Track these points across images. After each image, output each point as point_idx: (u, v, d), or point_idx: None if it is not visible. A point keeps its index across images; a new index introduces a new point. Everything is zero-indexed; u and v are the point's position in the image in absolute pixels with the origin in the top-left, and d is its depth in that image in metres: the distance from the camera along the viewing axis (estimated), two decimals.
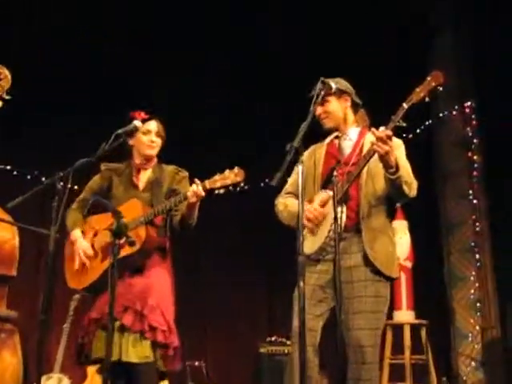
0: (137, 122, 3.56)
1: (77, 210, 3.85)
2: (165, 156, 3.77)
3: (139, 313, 3.50)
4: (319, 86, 3.24)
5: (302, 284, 2.69)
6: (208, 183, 3.47)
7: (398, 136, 3.33)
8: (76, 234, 3.80)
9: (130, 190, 3.81)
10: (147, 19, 6.05)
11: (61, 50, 5.81)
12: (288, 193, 3.64)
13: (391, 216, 3.48)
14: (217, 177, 3.47)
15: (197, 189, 3.46)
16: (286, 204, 3.58)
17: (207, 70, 6.16)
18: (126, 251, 3.41)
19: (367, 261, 3.28)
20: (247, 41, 6.03)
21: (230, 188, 3.48)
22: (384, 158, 3.10)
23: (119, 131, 3.39)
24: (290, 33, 5.97)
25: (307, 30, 5.94)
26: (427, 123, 6.37)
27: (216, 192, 3.49)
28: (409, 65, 5.75)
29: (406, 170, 3.25)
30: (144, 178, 3.85)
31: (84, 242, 3.76)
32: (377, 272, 3.29)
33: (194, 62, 6.09)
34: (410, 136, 5.97)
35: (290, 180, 3.63)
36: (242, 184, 3.52)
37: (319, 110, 3.48)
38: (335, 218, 3.07)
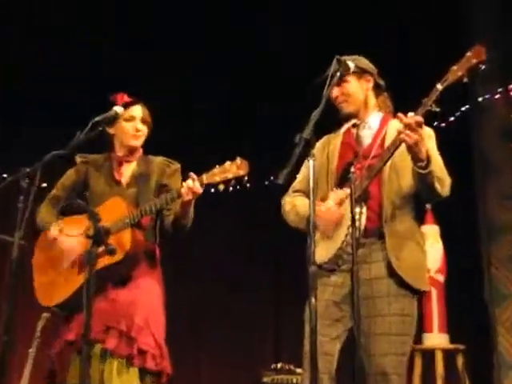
0: (118, 108, 3.11)
1: (49, 206, 3.30)
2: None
3: (125, 334, 2.97)
4: (334, 65, 2.84)
5: (313, 300, 2.30)
6: (206, 177, 3.00)
7: (428, 125, 2.92)
8: (54, 229, 3.20)
9: (111, 187, 3.27)
10: (147, 19, 6.05)
11: (61, 50, 5.81)
12: (296, 191, 3.20)
13: (419, 218, 3.04)
14: (216, 170, 3.00)
15: (193, 184, 2.97)
16: (293, 204, 3.13)
17: (207, 70, 6.16)
18: (105, 261, 2.87)
19: (391, 271, 2.82)
20: (247, 41, 6.02)
21: (232, 183, 3.00)
22: (413, 150, 2.68)
23: (97, 118, 2.95)
24: (289, 33, 5.96)
25: (307, 29, 5.93)
26: (464, 109, 5.50)
27: (213, 189, 3.07)
28: (409, 65, 5.73)
29: (438, 163, 2.82)
30: (127, 172, 3.31)
31: (69, 238, 3.15)
32: (402, 285, 2.83)
33: (194, 62, 6.09)
34: (443, 124, 5.23)
35: (299, 176, 3.21)
36: (245, 178, 3.00)
37: (336, 91, 3.04)
38: (353, 221, 2.63)
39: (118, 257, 2.94)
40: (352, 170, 2.71)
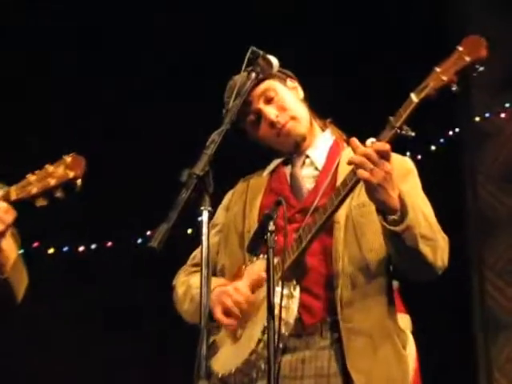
0: None
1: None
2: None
3: None
4: (249, 62, 2.02)
5: None
6: (15, 191, 1.92)
7: (403, 153, 2.08)
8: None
9: None
10: (147, 19, 6.06)
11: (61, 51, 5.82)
12: (196, 264, 2.10)
13: (393, 302, 1.97)
14: (31, 177, 1.93)
15: None
16: (189, 285, 2.06)
17: (207, 70, 6.17)
18: None
19: None
20: (248, 40, 6.02)
21: (57, 196, 1.92)
22: (376, 195, 1.71)
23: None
24: (289, 32, 5.98)
25: (307, 29, 5.95)
26: (454, 132, 3.78)
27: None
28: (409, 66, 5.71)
29: (422, 215, 1.81)
30: None
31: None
32: None
33: (194, 62, 6.10)
34: (419, 156, 3.63)
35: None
36: (79, 181, 1.91)
37: (272, 110, 2.05)
38: (269, 311, 1.63)
39: None
40: (270, 227, 1.69)
